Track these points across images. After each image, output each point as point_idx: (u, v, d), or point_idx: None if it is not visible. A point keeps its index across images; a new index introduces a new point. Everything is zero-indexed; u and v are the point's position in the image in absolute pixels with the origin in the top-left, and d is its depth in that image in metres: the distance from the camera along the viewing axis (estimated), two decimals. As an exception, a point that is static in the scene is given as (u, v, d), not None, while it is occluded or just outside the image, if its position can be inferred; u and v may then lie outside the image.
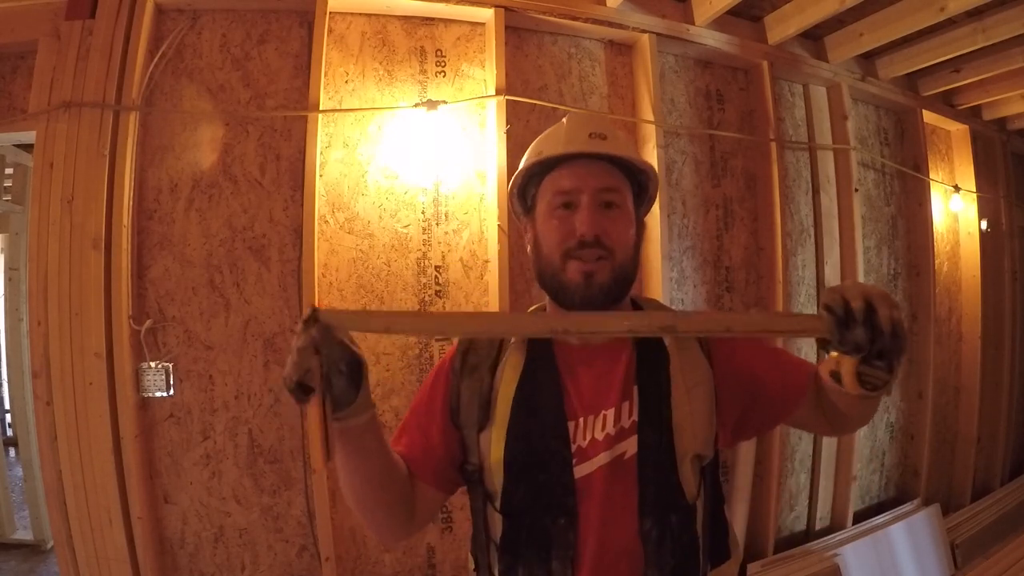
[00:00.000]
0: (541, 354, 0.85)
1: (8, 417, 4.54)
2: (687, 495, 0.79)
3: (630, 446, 0.79)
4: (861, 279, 2.67)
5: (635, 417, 0.80)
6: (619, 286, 0.84)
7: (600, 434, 0.80)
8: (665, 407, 0.80)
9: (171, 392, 1.82)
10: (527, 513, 0.80)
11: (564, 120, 0.91)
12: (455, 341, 0.93)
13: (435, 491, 0.86)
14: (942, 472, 3.23)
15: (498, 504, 0.82)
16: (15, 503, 3.32)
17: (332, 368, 0.68)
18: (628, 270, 0.85)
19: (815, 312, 0.62)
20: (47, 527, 2.76)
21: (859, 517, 2.73)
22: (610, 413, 0.80)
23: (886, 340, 0.59)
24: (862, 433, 2.73)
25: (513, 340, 0.87)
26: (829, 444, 2.66)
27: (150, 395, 1.80)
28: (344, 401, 0.70)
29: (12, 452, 4.17)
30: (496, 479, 0.82)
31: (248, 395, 1.88)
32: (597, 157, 0.84)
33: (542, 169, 0.87)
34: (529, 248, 0.90)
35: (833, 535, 2.59)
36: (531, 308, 0.97)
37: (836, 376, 0.64)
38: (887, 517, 2.76)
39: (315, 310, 0.67)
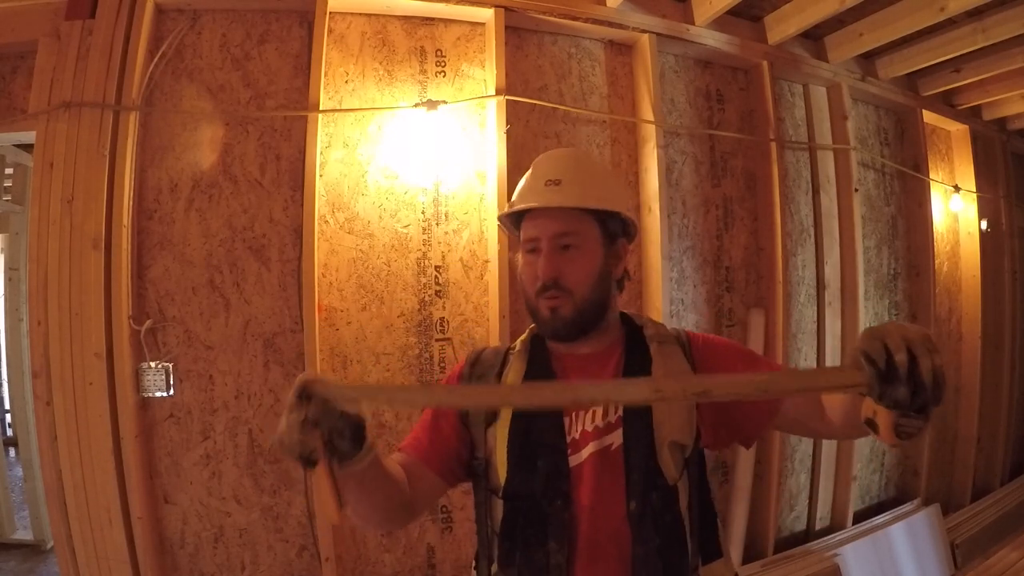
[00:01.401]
0: (540, 362, 0.96)
1: (8, 417, 4.54)
2: (667, 476, 0.86)
3: (616, 438, 0.88)
4: (861, 279, 2.67)
5: (620, 413, 0.89)
6: (583, 318, 0.92)
7: (590, 426, 0.89)
8: (647, 406, 0.88)
9: (171, 392, 1.82)
10: (526, 498, 0.87)
11: (532, 165, 0.99)
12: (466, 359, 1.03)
13: (439, 479, 0.94)
14: (942, 472, 3.23)
15: (501, 492, 0.90)
16: (15, 503, 3.32)
17: (336, 436, 0.72)
18: (590, 302, 0.92)
19: (854, 359, 0.58)
20: (47, 527, 2.76)
21: (859, 517, 2.73)
22: (599, 410, 0.90)
23: (928, 395, 0.56)
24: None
25: (517, 349, 0.98)
26: (829, 444, 2.66)
27: (150, 395, 1.80)
28: (349, 456, 0.75)
29: (12, 452, 4.17)
30: (500, 469, 0.90)
31: (248, 395, 1.88)
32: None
33: (517, 217, 0.98)
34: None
35: (833, 535, 2.59)
36: (532, 326, 1.02)
37: (872, 425, 0.60)
38: (887, 517, 2.76)
39: (306, 386, 0.70)
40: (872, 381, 0.56)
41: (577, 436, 0.89)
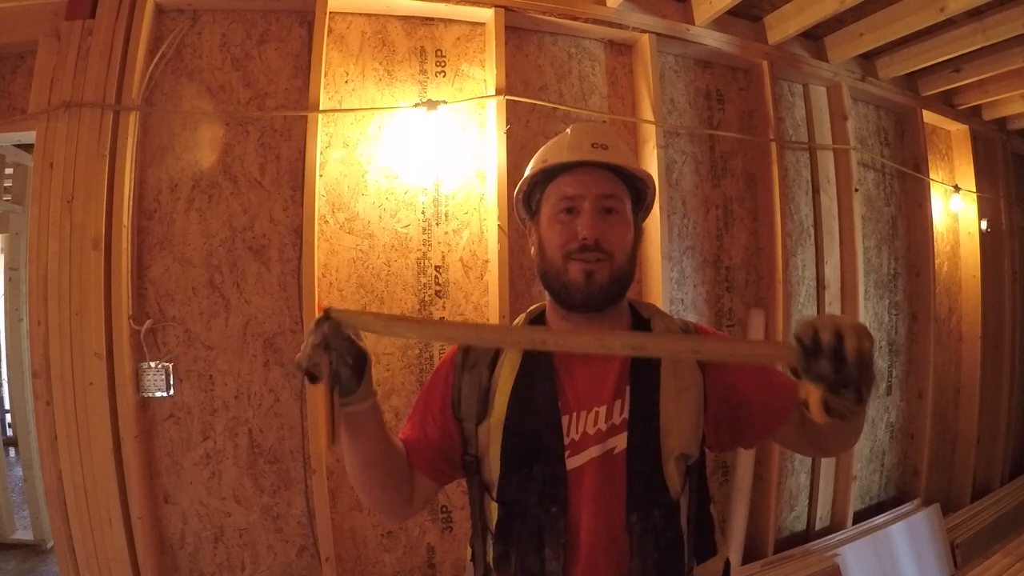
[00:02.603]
0: (539, 352, 0.88)
1: (8, 417, 4.54)
2: (671, 492, 0.83)
3: (620, 442, 0.84)
4: (861, 279, 2.67)
5: (626, 415, 0.85)
6: (617, 286, 0.88)
7: (592, 429, 0.85)
8: (655, 408, 0.85)
9: (171, 392, 1.82)
10: (521, 502, 0.84)
11: (568, 130, 0.95)
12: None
13: (427, 480, 0.93)
14: (942, 472, 3.23)
15: (495, 493, 0.87)
16: (15, 503, 3.32)
17: (340, 360, 0.76)
18: (626, 272, 0.89)
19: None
20: (47, 527, 2.76)
21: (859, 517, 2.73)
22: (602, 410, 0.85)
23: (851, 370, 0.59)
24: (862, 433, 2.73)
25: None
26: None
27: (150, 395, 1.80)
28: (349, 389, 0.78)
29: (12, 452, 4.16)
30: (493, 469, 0.87)
31: (248, 395, 1.88)
32: (599, 166, 0.89)
33: (546, 176, 0.92)
34: (533, 250, 0.94)
35: (833, 535, 2.59)
36: (531, 307, 0.99)
37: (804, 404, 0.65)
38: (887, 517, 2.76)
39: (328, 310, 0.75)
40: (798, 355, 0.61)
41: (577, 438, 0.84)
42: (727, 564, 0.94)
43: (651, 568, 0.81)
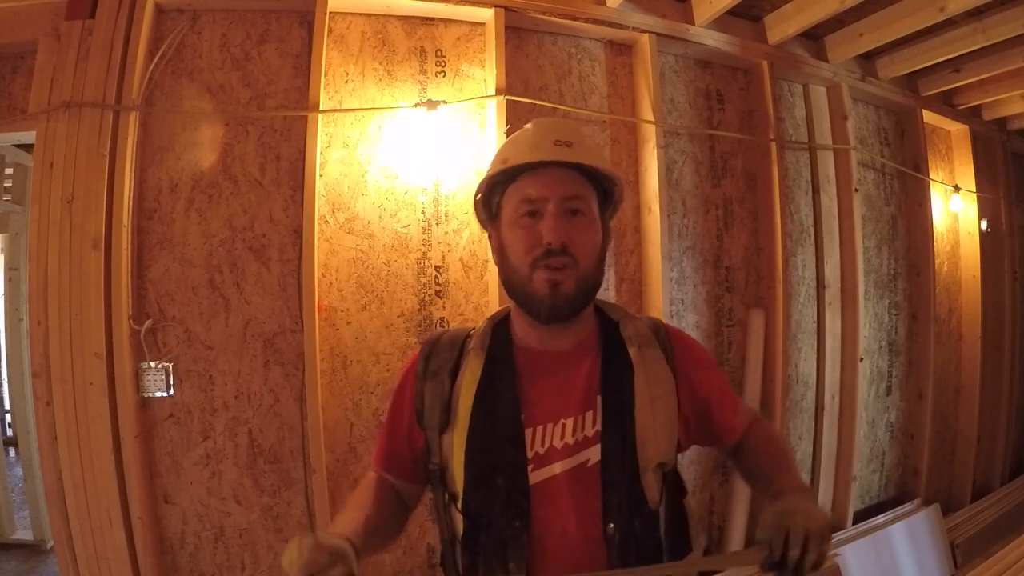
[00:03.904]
0: (501, 361, 0.86)
1: (8, 417, 4.54)
2: (650, 502, 0.81)
3: (593, 454, 0.81)
4: (861, 279, 2.67)
5: (598, 427, 0.82)
6: (583, 295, 0.84)
7: (559, 442, 0.81)
8: (629, 419, 0.82)
9: (171, 392, 1.82)
10: (485, 515, 0.81)
11: (529, 125, 0.90)
12: (419, 346, 0.95)
13: (411, 486, 0.94)
14: (942, 472, 3.23)
15: (459, 505, 0.83)
16: (15, 503, 3.32)
17: None
18: (592, 278, 0.85)
19: None
20: (47, 527, 2.76)
21: (859, 517, 2.73)
22: (569, 422, 0.82)
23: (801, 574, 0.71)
24: (862, 433, 2.73)
25: (472, 344, 0.88)
26: (829, 444, 2.66)
27: (150, 395, 1.80)
28: None
29: (12, 452, 4.17)
30: (457, 480, 0.83)
31: (248, 395, 1.88)
32: (563, 165, 0.83)
33: (507, 177, 0.86)
34: (495, 257, 0.90)
35: (833, 535, 2.58)
36: (495, 312, 0.96)
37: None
38: (887, 517, 2.76)
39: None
40: (765, 563, 0.73)
41: (542, 451, 0.81)
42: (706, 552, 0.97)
43: None
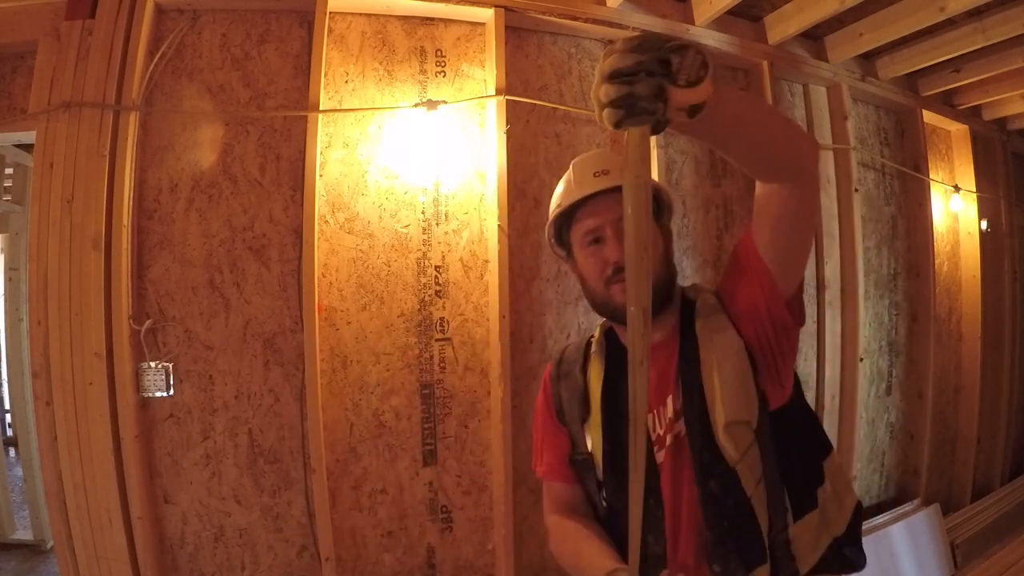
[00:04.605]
0: (617, 360, 0.97)
1: (8, 417, 4.54)
2: (729, 460, 0.87)
3: (680, 427, 0.92)
4: (861, 279, 2.67)
5: (680, 402, 0.92)
6: (660, 292, 0.93)
7: (664, 422, 0.94)
8: (697, 387, 0.91)
9: (171, 392, 1.82)
10: (623, 496, 0.87)
11: (570, 169, 1.03)
12: (551, 361, 1.10)
13: (577, 487, 1.03)
14: (942, 472, 3.23)
15: (604, 492, 0.97)
16: (15, 503, 3.32)
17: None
18: (662, 277, 0.95)
19: None
20: (47, 527, 2.76)
21: (859, 517, 2.72)
22: (668, 402, 0.94)
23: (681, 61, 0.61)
24: (862, 433, 2.73)
25: (593, 349, 1.02)
26: (829, 444, 2.66)
27: (150, 395, 1.80)
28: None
29: (12, 452, 4.17)
30: (599, 468, 0.97)
31: (248, 395, 1.88)
32: (607, 192, 0.95)
33: (565, 219, 1.01)
34: (580, 283, 1.03)
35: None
36: (601, 322, 1.08)
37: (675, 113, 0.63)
38: (887, 517, 2.76)
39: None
40: (609, 117, 0.62)
41: (661, 432, 0.93)
42: (856, 510, 0.98)
43: (724, 536, 0.86)
